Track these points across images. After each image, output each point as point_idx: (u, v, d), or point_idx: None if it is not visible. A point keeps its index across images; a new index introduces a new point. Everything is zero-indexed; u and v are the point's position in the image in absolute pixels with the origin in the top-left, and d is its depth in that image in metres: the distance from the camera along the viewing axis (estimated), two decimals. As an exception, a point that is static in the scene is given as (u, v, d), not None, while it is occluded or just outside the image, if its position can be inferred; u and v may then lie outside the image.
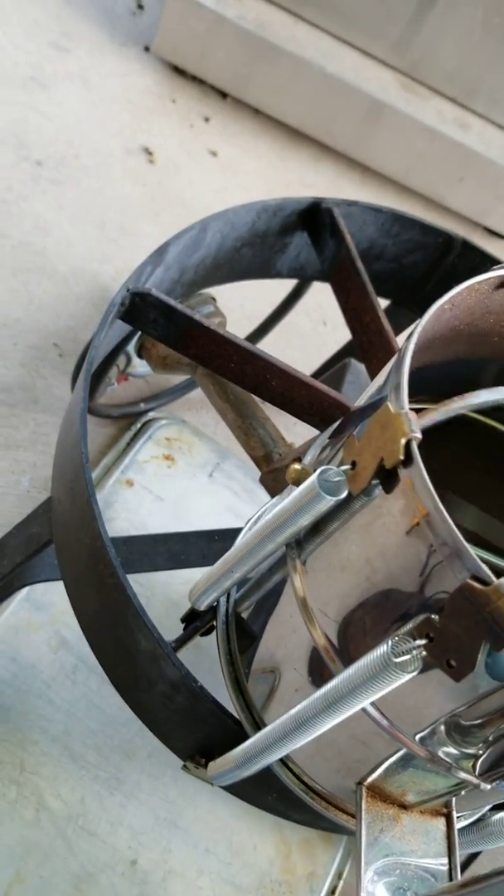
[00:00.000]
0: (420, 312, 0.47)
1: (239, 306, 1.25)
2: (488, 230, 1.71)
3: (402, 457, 0.39)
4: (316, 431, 0.70)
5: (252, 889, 0.83)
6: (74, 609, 0.63)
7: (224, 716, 0.55)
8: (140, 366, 1.03)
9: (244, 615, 0.60)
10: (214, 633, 0.60)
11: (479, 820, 0.58)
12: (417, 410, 0.51)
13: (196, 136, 1.50)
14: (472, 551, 0.37)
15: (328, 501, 0.44)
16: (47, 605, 0.88)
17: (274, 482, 0.77)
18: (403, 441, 0.39)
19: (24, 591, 0.87)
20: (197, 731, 0.58)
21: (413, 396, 0.44)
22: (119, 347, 0.94)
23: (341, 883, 0.89)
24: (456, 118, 1.57)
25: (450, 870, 0.50)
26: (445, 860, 0.50)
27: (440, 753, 0.46)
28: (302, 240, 0.83)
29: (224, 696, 0.58)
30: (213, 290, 0.99)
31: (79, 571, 0.60)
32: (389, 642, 0.40)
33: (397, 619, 0.42)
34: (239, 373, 0.69)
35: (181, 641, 0.58)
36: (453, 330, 0.52)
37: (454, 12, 1.43)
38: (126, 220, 1.31)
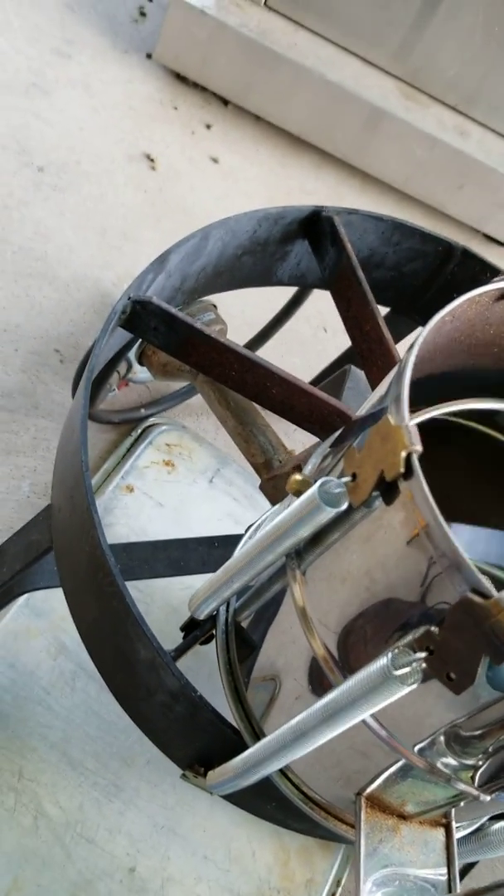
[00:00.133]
0: (420, 320, 0.47)
1: (240, 312, 1.25)
2: (487, 237, 1.71)
3: (402, 469, 0.39)
4: (316, 438, 0.70)
5: (250, 897, 0.83)
6: (74, 617, 0.63)
7: (223, 725, 0.55)
8: (141, 372, 1.03)
9: (244, 624, 0.60)
10: (214, 642, 0.60)
11: (477, 830, 0.58)
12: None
13: (197, 142, 1.50)
14: (472, 563, 0.37)
15: (329, 513, 0.44)
16: (47, 611, 0.88)
17: (274, 489, 0.77)
18: (404, 454, 0.39)
19: (24, 597, 0.87)
20: (196, 740, 0.58)
21: (413, 407, 0.44)
22: (120, 354, 0.94)
23: (339, 890, 0.89)
24: (456, 126, 1.57)
25: (449, 880, 0.50)
26: (444, 871, 0.50)
27: (439, 764, 0.46)
28: (303, 248, 0.83)
29: (223, 701, 0.58)
30: (214, 297, 0.99)
31: (78, 579, 0.60)
32: (389, 654, 0.40)
33: (397, 630, 0.43)
34: (239, 381, 0.69)
35: (180, 651, 0.58)
36: (454, 341, 0.52)
37: (454, 21, 1.44)
38: (127, 226, 1.31)
